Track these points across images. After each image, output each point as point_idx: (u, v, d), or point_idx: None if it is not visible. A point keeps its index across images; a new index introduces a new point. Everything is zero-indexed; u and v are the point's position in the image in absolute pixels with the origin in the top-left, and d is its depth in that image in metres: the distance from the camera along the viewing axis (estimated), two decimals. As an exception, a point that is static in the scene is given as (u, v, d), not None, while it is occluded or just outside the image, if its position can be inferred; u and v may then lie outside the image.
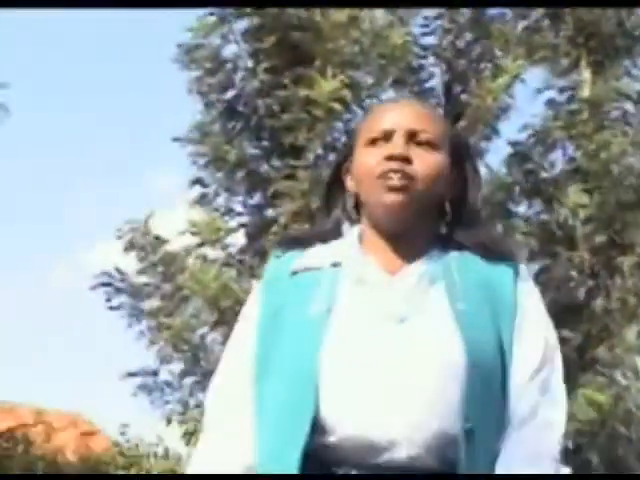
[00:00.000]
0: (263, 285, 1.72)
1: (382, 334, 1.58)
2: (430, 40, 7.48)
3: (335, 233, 1.74)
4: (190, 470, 1.69)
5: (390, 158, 1.62)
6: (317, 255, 1.70)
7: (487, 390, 1.56)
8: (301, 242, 1.74)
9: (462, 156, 1.73)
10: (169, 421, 6.82)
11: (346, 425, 1.54)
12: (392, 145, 1.64)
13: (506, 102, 6.99)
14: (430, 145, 1.65)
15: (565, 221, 7.33)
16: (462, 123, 6.75)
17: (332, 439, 1.54)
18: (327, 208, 1.77)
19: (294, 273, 1.68)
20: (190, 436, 6.45)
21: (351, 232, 1.73)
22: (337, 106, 6.28)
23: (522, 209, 7.77)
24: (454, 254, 1.68)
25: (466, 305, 1.60)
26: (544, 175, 7.75)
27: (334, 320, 1.59)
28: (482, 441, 1.54)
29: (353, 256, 1.68)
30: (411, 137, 1.65)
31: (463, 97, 7.23)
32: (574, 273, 7.40)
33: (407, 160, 1.62)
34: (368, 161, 1.65)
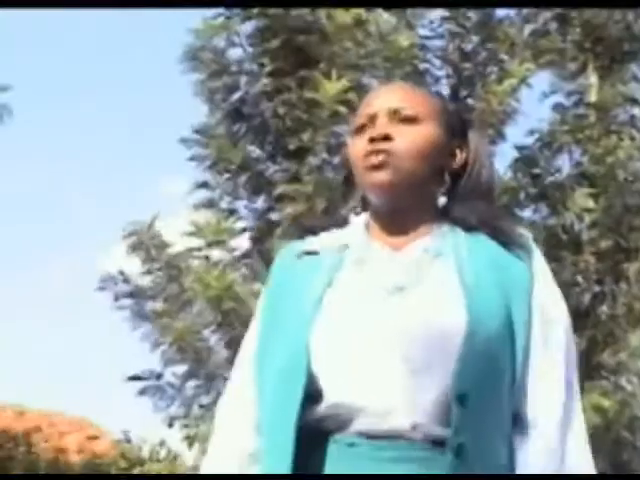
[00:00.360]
0: (271, 271, 1.74)
1: (379, 303, 1.57)
2: (436, 43, 7.46)
3: (346, 221, 1.76)
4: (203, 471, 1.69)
5: (372, 140, 1.65)
6: (324, 239, 1.71)
7: (487, 363, 1.53)
8: (313, 230, 1.76)
9: (465, 127, 1.74)
10: (171, 424, 6.80)
11: (342, 393, 1.53)
12: (375, 127, 1.67)
13: (512, 106, 6.96)
14: (413, 119, 1.67)
15: (571, 226, 7.30)
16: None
17: (329, 409, 1.53)
18: (344, 199, 1.81)
19: (300, 256, 1.69)
20: (192, 439, 6.43)
21: (358, 220, 1.74)
22: (342, 109, 6.26)
23: (528, 214, 7.75)
24: (464, 233, 1.66)
25: (474, 280, 1.58)
26: (550, 179, 7.72)
27: (331, 294, 1.59)
28: (476, 408, 1.51)
29: (359, 240, 1.69)
30: (393, 115, 1.67)
31: (469, 101, 7.21)
32: (579, 278, 7.36)
33: (388, 138, 1.64)
34: (355, 148, 1.69)
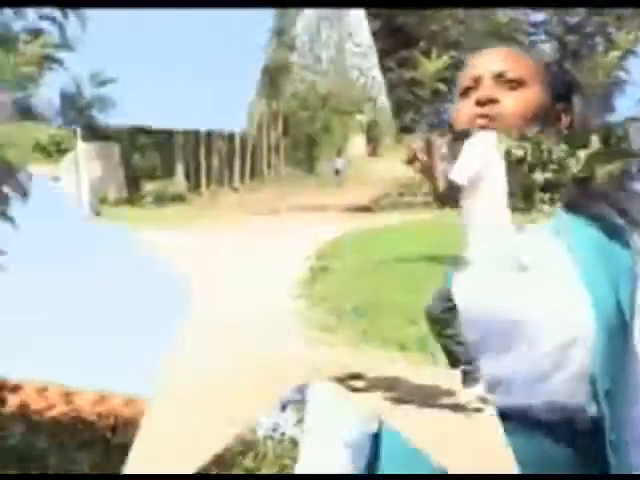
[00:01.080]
0: None
1: (504, 280, 1.55)
2: (539, 17, 7.34)
3: None
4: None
5: (478, 103, 1.64)
6: None
7: (614, 351, 1.52)
8: None
9: (569, 90, 1.72)
10: (284, 407, 6.88)
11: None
12: (480, 90, 1.66)
13: (620, 77, 6.79)
14: (518, 82, 1.65)
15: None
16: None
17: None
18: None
19: None
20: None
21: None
22: (442, 87, 6.22)
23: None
24: (567, 214, 1.62)
25: (588, 263, 1.57)
26: (663, 151, 7.50)
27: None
28: (618, 400, 1.51)
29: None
30: (498, 78, 1.66)
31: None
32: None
33: (494, 101, 1.63)
34: (462, 111, 1.68)
